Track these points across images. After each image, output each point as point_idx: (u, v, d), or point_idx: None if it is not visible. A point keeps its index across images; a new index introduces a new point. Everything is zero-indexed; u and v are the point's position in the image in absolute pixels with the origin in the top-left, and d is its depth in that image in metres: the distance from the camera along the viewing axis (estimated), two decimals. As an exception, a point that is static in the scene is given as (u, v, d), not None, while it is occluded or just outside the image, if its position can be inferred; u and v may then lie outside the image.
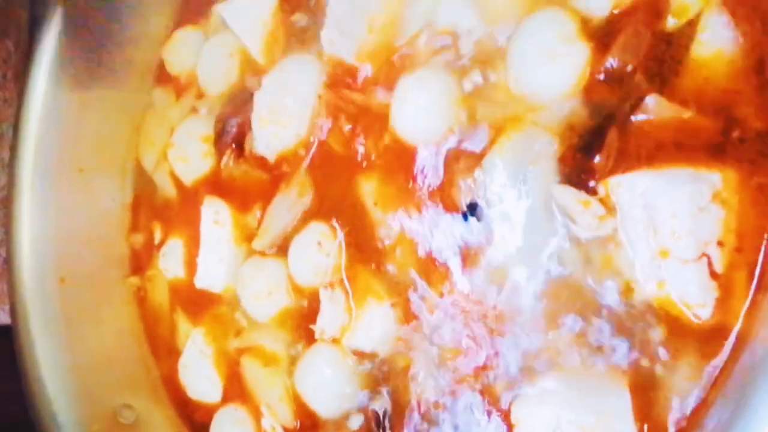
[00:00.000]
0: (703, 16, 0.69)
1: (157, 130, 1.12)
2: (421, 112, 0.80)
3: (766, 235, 0.64)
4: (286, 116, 0.90)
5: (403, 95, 0.81)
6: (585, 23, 0.72)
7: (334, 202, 0.87)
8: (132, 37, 1.11)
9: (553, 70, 0.72)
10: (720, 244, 0.64)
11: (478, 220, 0.75)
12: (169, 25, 1.13)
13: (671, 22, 0.70)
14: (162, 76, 1.13)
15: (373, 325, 0.82)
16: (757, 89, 0.64)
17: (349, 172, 0.86)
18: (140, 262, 1.11)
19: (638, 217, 0.67)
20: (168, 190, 1.08)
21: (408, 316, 0.80)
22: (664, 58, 0.70)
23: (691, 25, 0.69)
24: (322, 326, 0.86)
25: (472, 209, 0.75)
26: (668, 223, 0.65)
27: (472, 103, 0.78)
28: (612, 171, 0.70)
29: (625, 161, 0.70)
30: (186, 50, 1.09)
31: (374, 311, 0.82)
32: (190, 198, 1.05)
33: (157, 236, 1.09)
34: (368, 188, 0.84)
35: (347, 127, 0.87)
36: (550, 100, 0.73)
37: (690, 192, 0.65)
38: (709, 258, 0.64)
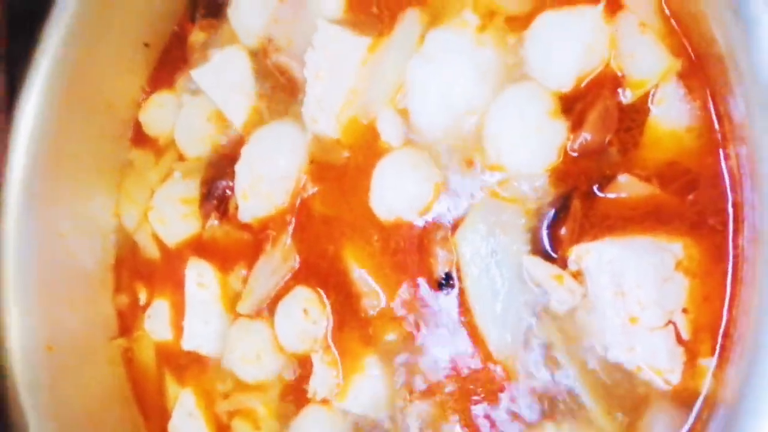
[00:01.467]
0: (659, 89, 0.72)
1: (137, 190, 1.13)
2: (396, 193, 0.84)
3: (726, 299, 0.67)
4: (269, 189, 0.92)
5: (380, 177, 0.85)
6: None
7: (320, 268, 0.89)
8: (108, 99, 1.12)
9: (538, 145, 0.75)
10: (685, 311, 0.68)
11: (451, 289, 0.78)
12: (144, 87, 1.14)
13: (628, 96, 0.74)
14: (140, 138, 1.14)
15: (363, 389, 0.84)
16: (711, 166, 0.68)
17: (334, 238, 0.88)
18: (126, 323, 1.12)
19: (606, 285, 0.71)
20: (151, 250, 1.10)
21: (396, 380, 0.83)
22: (624, 130, 0.73)
23: (648, 98, 0.73)
24: (315, 387, 0.88)
25: (447, 279, 0.78)
26: (634, 292, 0.68)
27: (446, 178, 0.82)
28: (578, 239, 0.73)
29: (590, 231, 0.73)
30: (162, 113, 1.11)
31: (363, 376, 0.84)
32: (173, 259, 1.06)
33: (142, 297, 1.10)
34: (353, 257, 0.86)
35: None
36: (528, 175, 0.76)
37: (654, 263, 0.68)
38: (675, 325, 0.68)
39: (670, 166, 0.71)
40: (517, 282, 0.75)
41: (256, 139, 0.95)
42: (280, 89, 0.97)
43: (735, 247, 0.67)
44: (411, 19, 0.86)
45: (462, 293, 0.79)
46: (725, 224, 0.68)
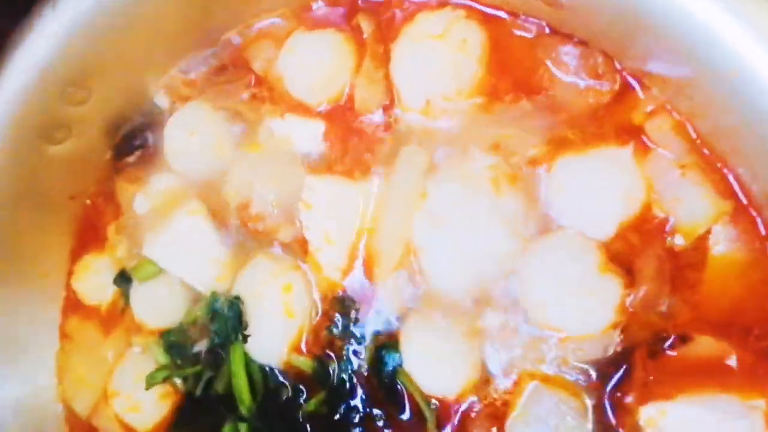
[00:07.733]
0: (713, 232, 0.68)
1: (84, 368, 0.96)
2: (428, 371, 0.75)
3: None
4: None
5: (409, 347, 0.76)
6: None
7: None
8: (34, 268, 0.94)
9: (592, 305, 0.69)
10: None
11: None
12: (70, 247, 0.97)
13: (680, 241, 0.69)
14: (74, 307, 0.97)
15: None
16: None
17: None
18: None
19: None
20: (116, 434, 0.94)
21: None
22: (682, 277, 0.69)
23: (702, 242, 0.68)
24: None
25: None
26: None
27: (483, 352, 0.74)
28: (646, 401, 0.68)
29: (658, 390, 0.68)
30: (99, 279, 0.94)
31: None
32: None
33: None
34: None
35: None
36: (583, 338, 0.69)
37: (744, 425, 0.65)
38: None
39: (737, 314, 0.67)
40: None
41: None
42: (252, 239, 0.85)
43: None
44: (407, 163, 0.77)
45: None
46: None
